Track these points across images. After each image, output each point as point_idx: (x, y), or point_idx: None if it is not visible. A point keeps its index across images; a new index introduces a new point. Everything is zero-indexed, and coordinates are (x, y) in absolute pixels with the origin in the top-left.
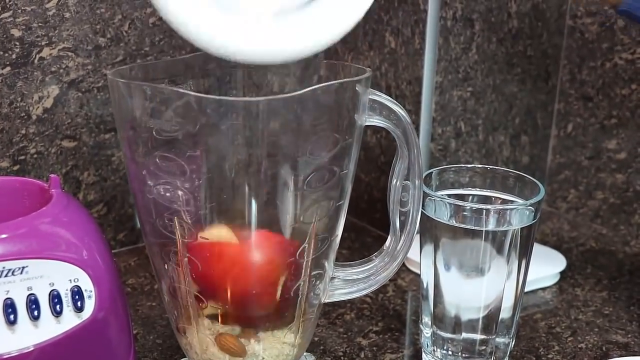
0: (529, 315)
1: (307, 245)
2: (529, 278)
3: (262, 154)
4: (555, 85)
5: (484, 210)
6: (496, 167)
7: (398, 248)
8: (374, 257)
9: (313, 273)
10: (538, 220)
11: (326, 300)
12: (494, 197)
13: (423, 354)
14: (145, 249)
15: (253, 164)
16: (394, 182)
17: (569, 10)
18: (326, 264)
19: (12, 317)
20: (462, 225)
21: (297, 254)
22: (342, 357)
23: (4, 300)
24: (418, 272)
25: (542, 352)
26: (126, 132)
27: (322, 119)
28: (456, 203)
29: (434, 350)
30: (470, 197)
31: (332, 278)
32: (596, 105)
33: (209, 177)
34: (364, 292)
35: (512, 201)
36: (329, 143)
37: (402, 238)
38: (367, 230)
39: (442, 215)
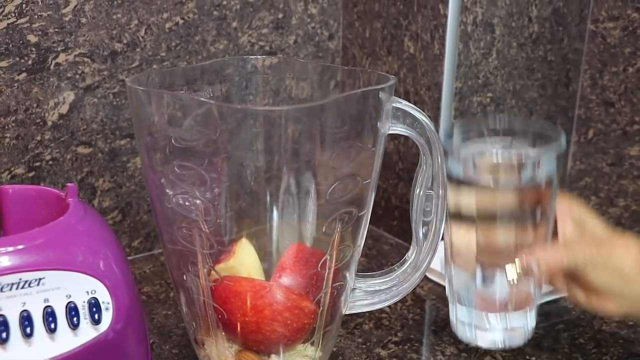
0: (551, 325)
1: (329, 256)
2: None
3: (284, 164)
4: (576, 91)
5: (509, 164)
6: (516, 118)
7: (421, 258)
8: (395, 268)
9: (334, 285)
10: (563, 170)
11: (348, 312)
12: (516, 150)
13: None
14: (161, 256)
15: (274, 174)
16: (417, 192)
17: (591, 14)
18: (347, 274)
19: (28, 329)
20: (486, 182)
21: (319, 265)
22: None
23: (21, 313)
24: (437, 280)
25: None
26: (144, 139)
27: (344, 128)
28: (481, 159)
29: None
30: (495, 152)
31: (353, 289)
32: (618, 111)
33: (229, 187)
34: (386, 304)
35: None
36: (352, 152)
37: (425, 248)
38: (385, 237)
39: (468, 171)
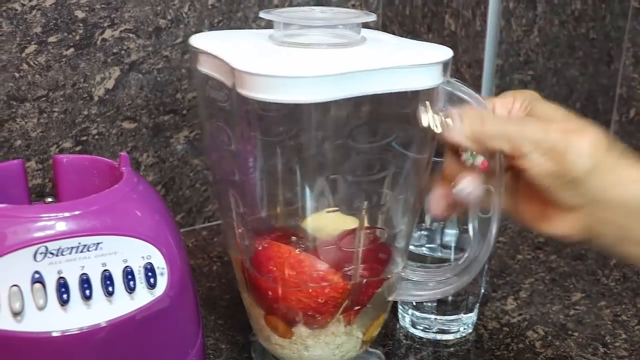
0: (593, 302)
1: (359, 233)
2: None
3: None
4: (618, 69)
5: None
6: None
7: (476, 253)
8: (447, 265)
9: (369, 265)
10: None
11: (393, 299)
12: None
13: None
14: (203, 231)
15: (313, 153)
16: None
17: None
18: (399, 259)
19: (87, 292)
20: None
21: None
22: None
23: (80, 276)
24: None
25: (609, 340)
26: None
27: (406, 107)
28: None
29: None
30: None
31: (403, 277)
32: None
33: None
34: (436, 297)
35: None
36: (410, 132)
37: (481, 243)
38: None
39: None
